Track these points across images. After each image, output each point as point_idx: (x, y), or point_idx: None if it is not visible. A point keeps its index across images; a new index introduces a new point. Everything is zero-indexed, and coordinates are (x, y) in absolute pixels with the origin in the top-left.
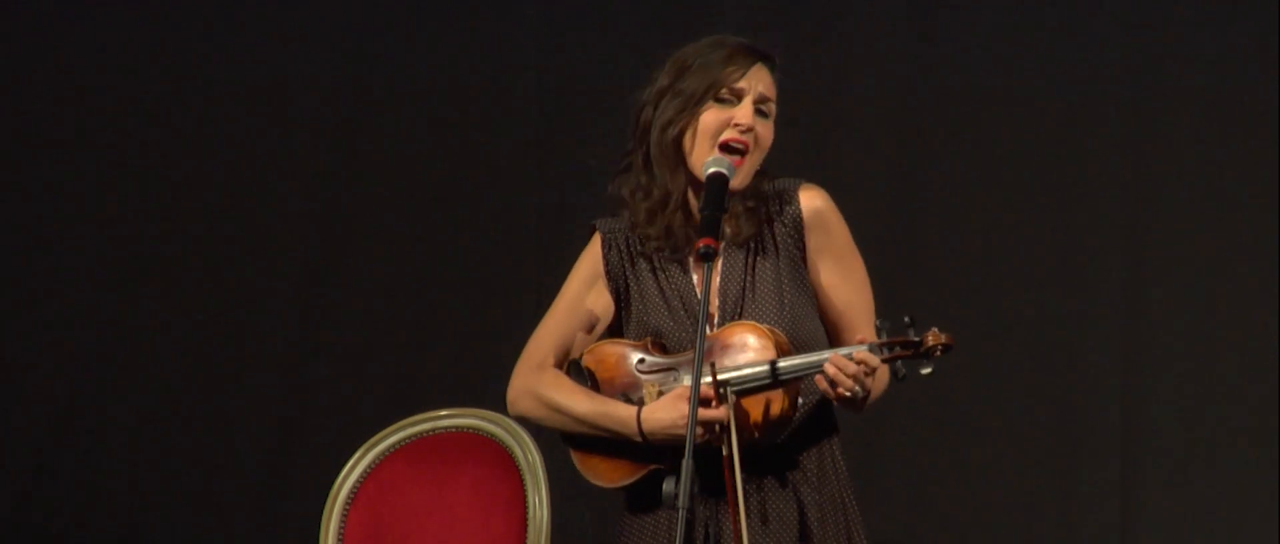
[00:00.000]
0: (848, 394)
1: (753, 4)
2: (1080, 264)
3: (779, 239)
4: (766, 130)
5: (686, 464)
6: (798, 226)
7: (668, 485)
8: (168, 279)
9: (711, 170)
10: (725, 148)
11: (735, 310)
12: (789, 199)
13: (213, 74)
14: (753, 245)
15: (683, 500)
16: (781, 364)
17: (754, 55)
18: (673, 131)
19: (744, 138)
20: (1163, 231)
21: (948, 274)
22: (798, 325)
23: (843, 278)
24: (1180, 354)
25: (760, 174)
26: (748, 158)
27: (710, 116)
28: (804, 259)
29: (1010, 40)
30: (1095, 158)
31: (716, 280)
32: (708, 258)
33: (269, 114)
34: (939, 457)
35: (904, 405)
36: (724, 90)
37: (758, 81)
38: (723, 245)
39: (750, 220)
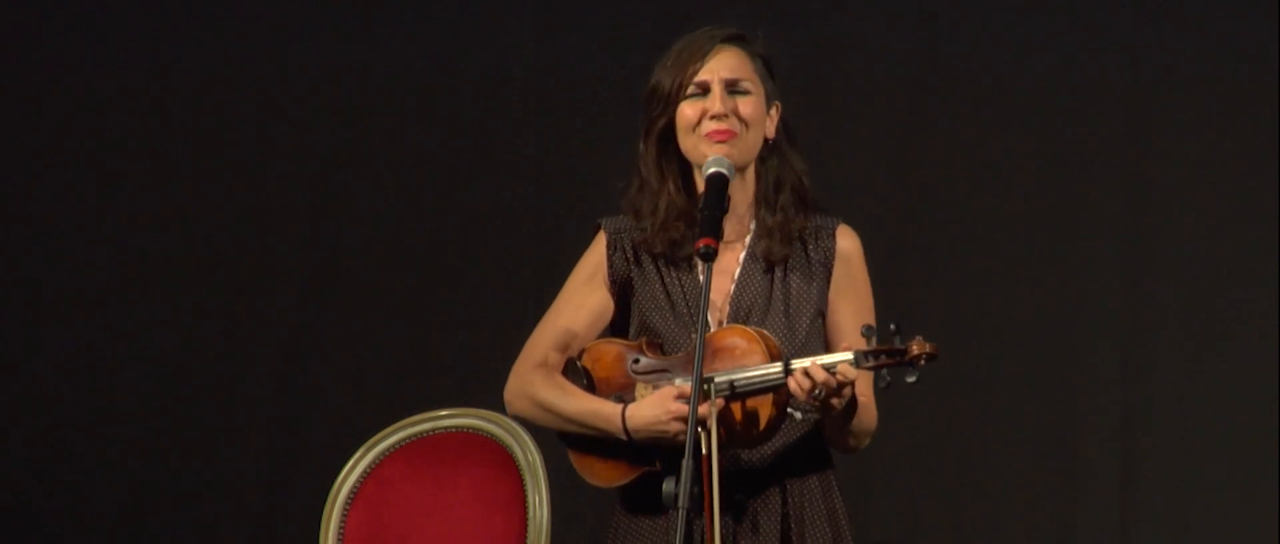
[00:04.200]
0: (811, 405)
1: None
2: (1080, 264)
3: (809, 268)
4: (749, 105)
5: (686, 464)
6: (828, 261)
7: (668, 485)
8: (166, 279)
9: (711, 171)
10: (710, 141)
11: (744, 320)
12: (826, 235)
13: (210, 74)
14: (782, 266)
15: (683, 500)
16: (768, 369)
17: (712, 41)
18: (657, 131)
19: (722, 125)
20: (1163, 231)
21: (947, 273)
22: (803, 350)
23: (853, 321)
24: (1180, 354)
25: (812, 207)
26: (740, 138)
27: (687, 111)
28: (825, 293)
29: (1010, 37)
30: (1096, 157)
31: (730, 287)
32: (707, 258)
33: (267, 113)
34: (938, 456)
35: (904, 405)
36: (690, 86)
37: (721, 66)
38: (744, 255)
39: (784, 242)
